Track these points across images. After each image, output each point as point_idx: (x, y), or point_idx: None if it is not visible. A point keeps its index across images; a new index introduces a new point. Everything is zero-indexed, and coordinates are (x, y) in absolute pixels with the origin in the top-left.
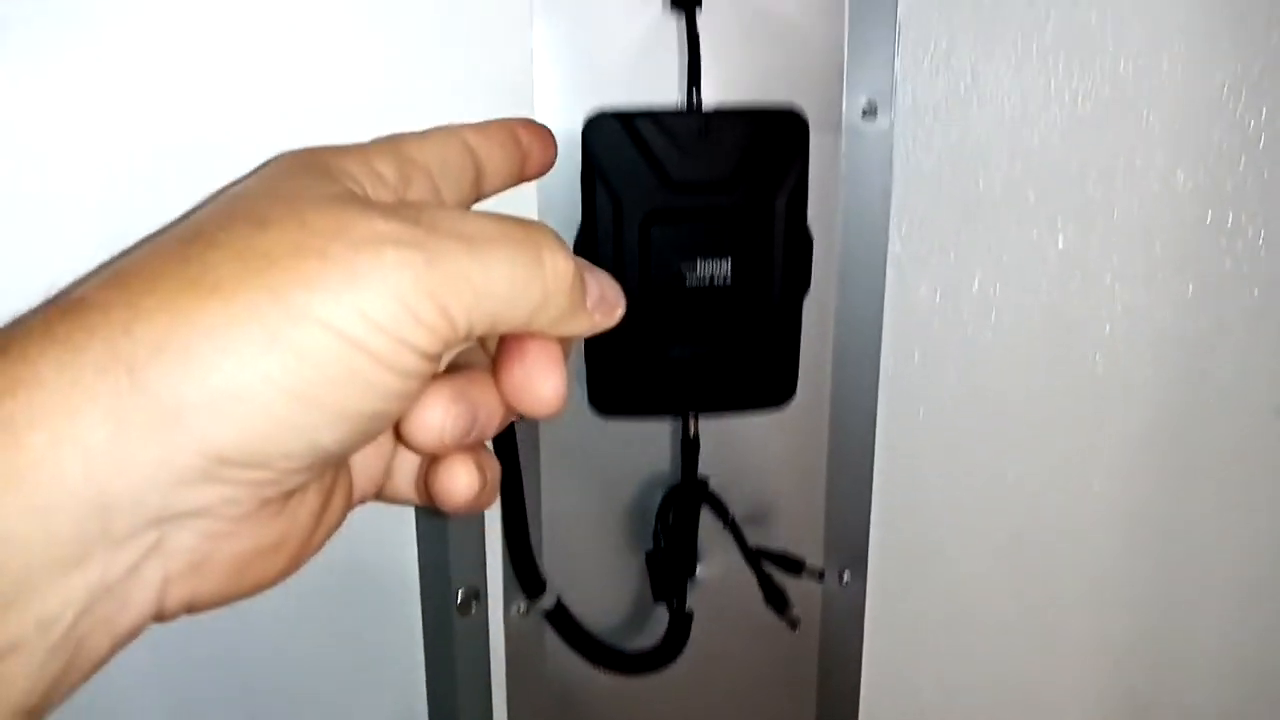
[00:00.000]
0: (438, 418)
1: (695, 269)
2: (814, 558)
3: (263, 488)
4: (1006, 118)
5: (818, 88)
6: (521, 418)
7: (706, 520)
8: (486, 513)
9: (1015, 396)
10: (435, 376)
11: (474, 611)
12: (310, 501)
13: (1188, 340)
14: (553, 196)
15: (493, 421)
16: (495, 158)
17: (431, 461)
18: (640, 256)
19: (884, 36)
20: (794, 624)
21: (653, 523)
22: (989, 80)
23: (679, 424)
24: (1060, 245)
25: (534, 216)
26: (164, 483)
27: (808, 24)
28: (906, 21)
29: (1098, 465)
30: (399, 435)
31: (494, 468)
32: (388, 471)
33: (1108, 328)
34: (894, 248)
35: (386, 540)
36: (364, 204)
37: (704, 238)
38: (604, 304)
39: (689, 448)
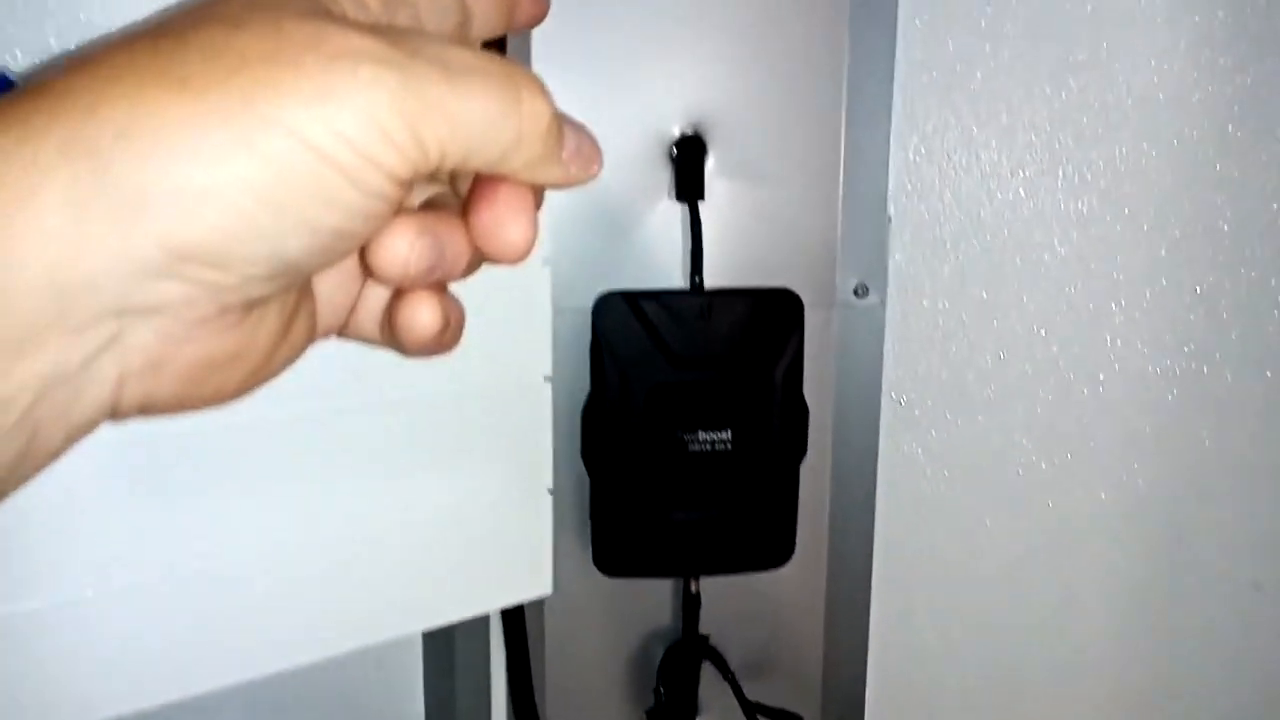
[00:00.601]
0: (403, 247)
1: (697, 437)
2: (812, 711)
3: (223, 292)
4: (992, 301)
5: (812, 270)
6: (488, 262)
7: (707, 674)
8: (492, 667)
9: (1005, 559)
10: (405, 210)
11: None
12: (271, 320)
13: (1168, 513)
14: (564, 368)
15: (460, 262)
16: (483, 3)
17: (395, 297)
18: (645, 425)
19: (875, 224)
20: None
21: (654, 678)
22: (976, 265)
23: (680, 581)
24: (1044, 418)
25: (548, 371)
26: (123, 273)
27: (803, 213)
28: (897, 211)
29: (1085, 629)
30: (364, 265)
31: (458, 313)
32: (353, 308)
33: (1090, 496)
34: (886, 416)
35: (392, 696)
36: (343, 21)
37: (705, 408)
38: (580, 157)
39: (690, 604)
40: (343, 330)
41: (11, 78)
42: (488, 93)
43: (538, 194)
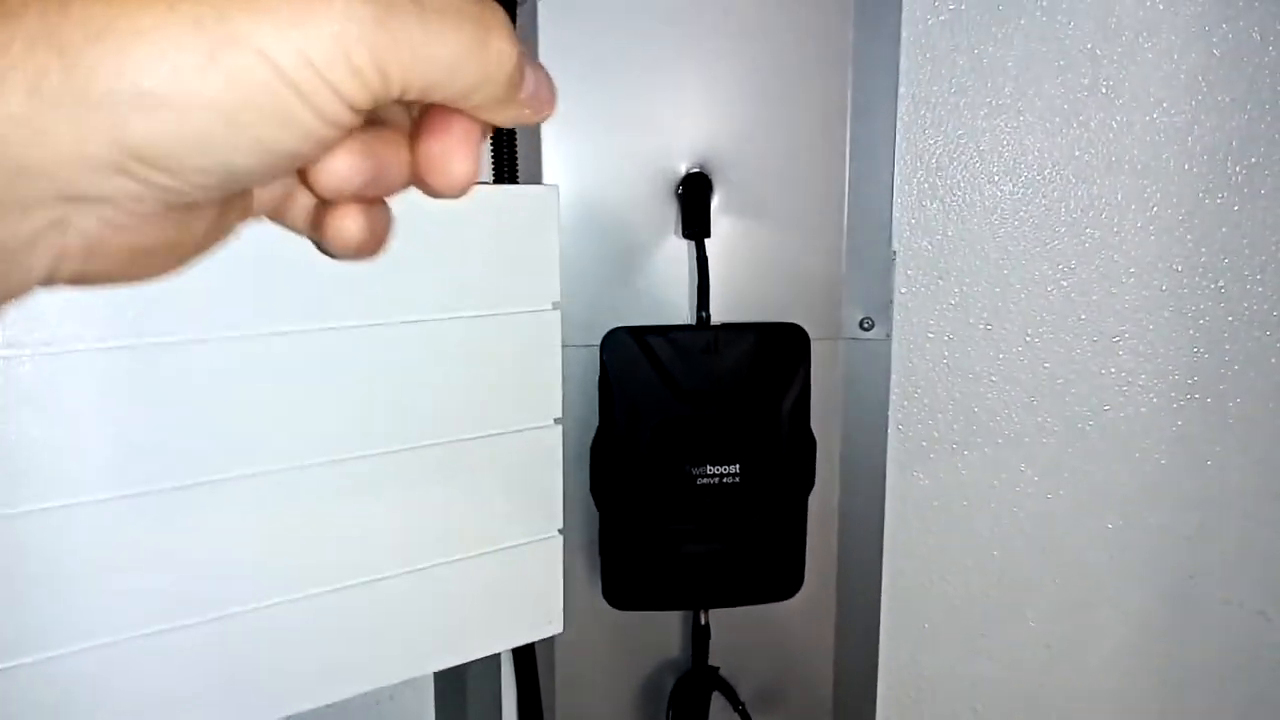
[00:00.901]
0: (344, 169)
1: (705, 471)
2: None
3: (169, 194)
4: (997, 334)
5: (818, 304)
6: (425, 193)
7: (718, 705)
8: (503, 700)
9: (1014, 589)
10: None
11: None
12: (209, 214)
13: (1175, 544)
14: (573, 404)
15: (396, 183)
16: None
17: (327, 203)
18: (653, 460)
19: (880, 258)
20: None
21: (664, 710)
22: (980, 299)
23: (690, 613)
24: (1050, 450)
25: (558, 413)
26: (76, 164)
27: (808, 248)
28: (902, 246)
29: (1094, 658)
30: (302, 175)
31: (384, 223)
32: (286, 201)
33: (1098, 526)
34: (893, 448)
35: None
36: None
37: (713, 442)
38: (536, 100)
39: (700, 636)
40: (273, 217)
41: None
42: (459, 32)
43: (486, 130)
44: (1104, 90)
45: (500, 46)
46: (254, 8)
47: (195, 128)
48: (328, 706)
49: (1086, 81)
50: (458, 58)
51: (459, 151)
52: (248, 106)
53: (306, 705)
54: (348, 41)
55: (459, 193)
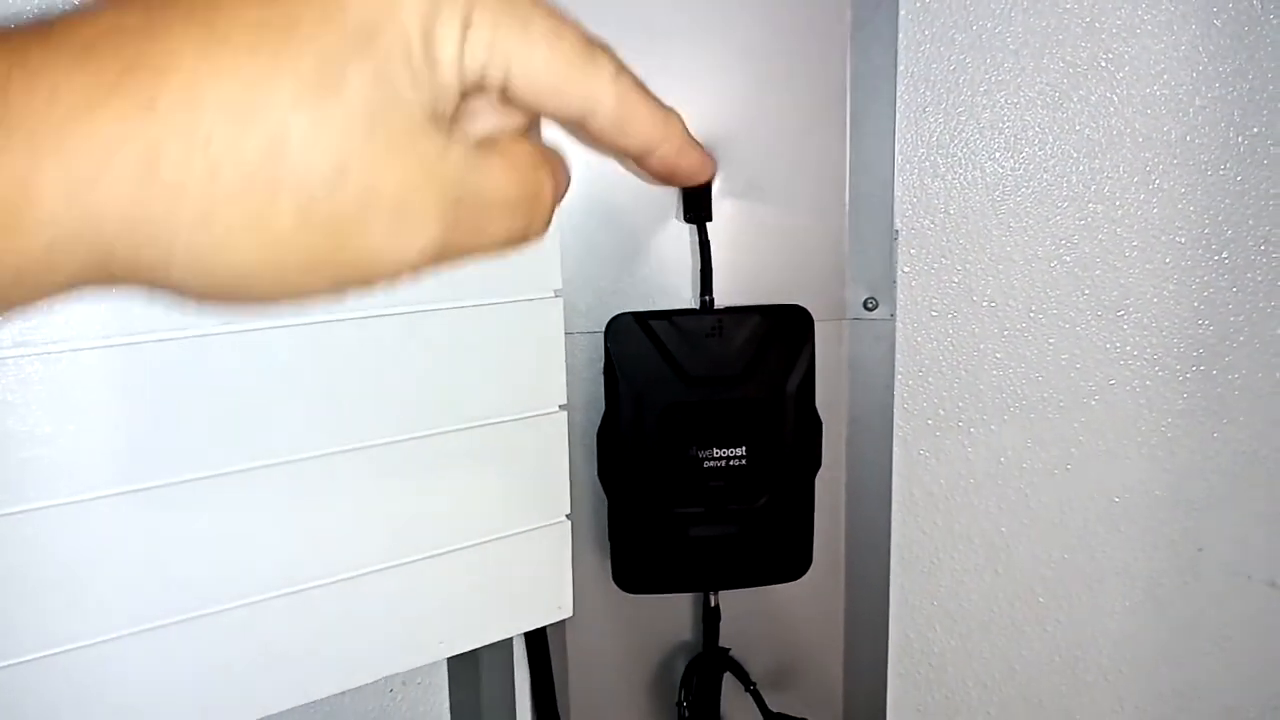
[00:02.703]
0: None
1: (712, 454)
2: None
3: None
4: (1001, 311)
5: (822, 285)
6: None
7: (729, 686)
8: (516, 684)
9: (1022, 565)
10: None
11: None
12: None
13: (1183, 516)
14: (579, 390)
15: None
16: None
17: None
18: (660, 444)
19: (883, 238)
20: None
21: (676, 691)
22: (983, 276)
23: (700, 595)
24: (1056, 425)
25: (563, 400)
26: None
27: (811, 229)
28: (904, 225)
29: (1103, 633)
30: None
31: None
32: None
33: (1105, 500)
34: (899, 426)
35: (418, 716)
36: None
37: (719, 425)
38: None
39: (710, 618)
40: None
41: None
42: (506, 232)
43: None
44: (1104, 63)
45: (532, 231)
46: (392, 239)
47: (249, 293)
48: (342, 693)
49: (1086, 55)
50: (494, 248)
51: None
52: (322, 288)
53: (321, 693)
54: (428, 261)
55: None
